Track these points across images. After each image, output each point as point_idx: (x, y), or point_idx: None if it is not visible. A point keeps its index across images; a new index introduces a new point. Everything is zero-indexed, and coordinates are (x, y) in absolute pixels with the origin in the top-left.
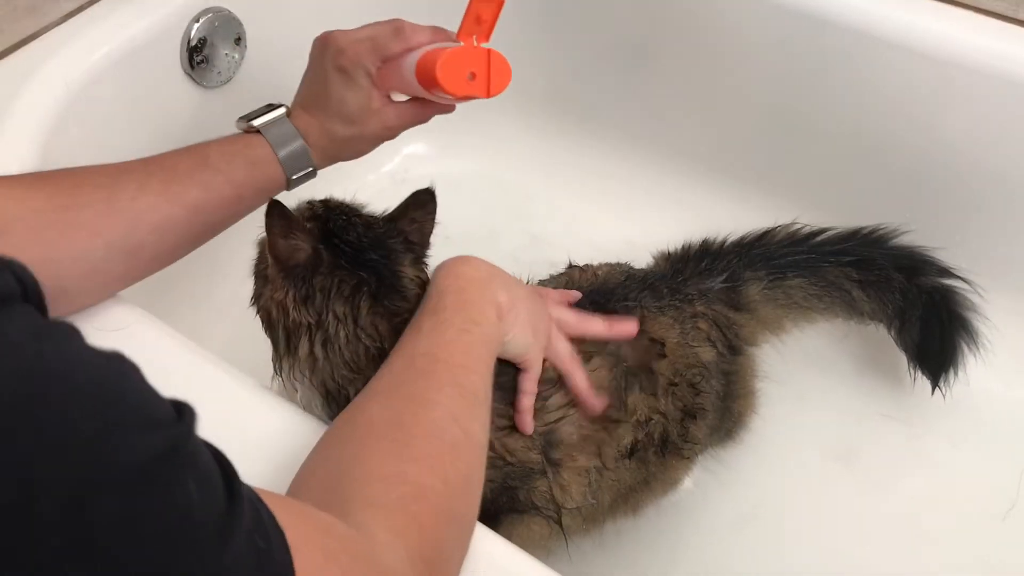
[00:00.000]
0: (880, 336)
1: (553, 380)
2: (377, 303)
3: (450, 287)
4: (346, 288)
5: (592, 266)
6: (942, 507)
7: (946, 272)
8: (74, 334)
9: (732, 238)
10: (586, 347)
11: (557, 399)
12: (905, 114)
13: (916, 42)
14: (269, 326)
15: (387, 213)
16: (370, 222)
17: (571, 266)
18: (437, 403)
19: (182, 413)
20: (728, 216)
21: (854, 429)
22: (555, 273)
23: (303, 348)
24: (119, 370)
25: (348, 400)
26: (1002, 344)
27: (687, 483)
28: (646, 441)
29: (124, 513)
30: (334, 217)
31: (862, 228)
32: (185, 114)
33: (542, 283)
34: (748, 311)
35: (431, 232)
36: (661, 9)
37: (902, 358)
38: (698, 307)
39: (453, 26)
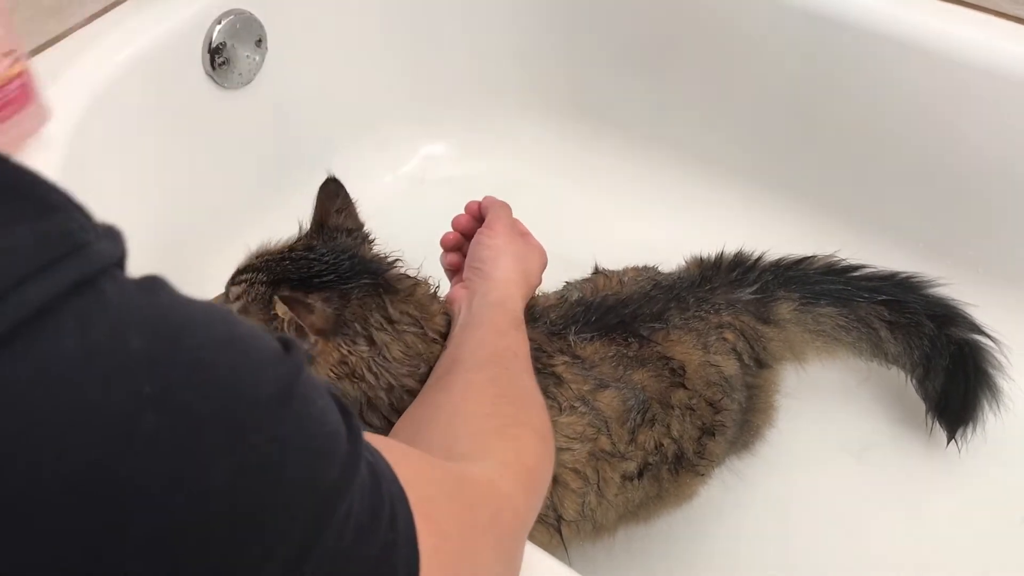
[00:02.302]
0: None
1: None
2: (391, 293)
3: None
4: (368, 300)
5: (618, 272)
6: (958, 510)
7: (976, 328)
8: (168, 283)
9: (769, 257)
10: (602, 375)
11: (570, 420)
12: (921, 116)
13: (931, 44)
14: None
15: (310, 224)
16: (308, 245)
17: (596, 271)
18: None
19: (287, 343)
20: (744, 217)
21: (869, 433)
22: (579, 278)
23: (369, 376)
24: (225, 311)
25: (401, 396)
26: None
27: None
28: (659, 461)
29: (276, 441)
30: (287, 269)
31: (900, 273)
32: (206, 115)
33: (567, 284)
34: (777, 326)
35: (356, 211)
36: (680, 11)
37: None
38: (725, 317)
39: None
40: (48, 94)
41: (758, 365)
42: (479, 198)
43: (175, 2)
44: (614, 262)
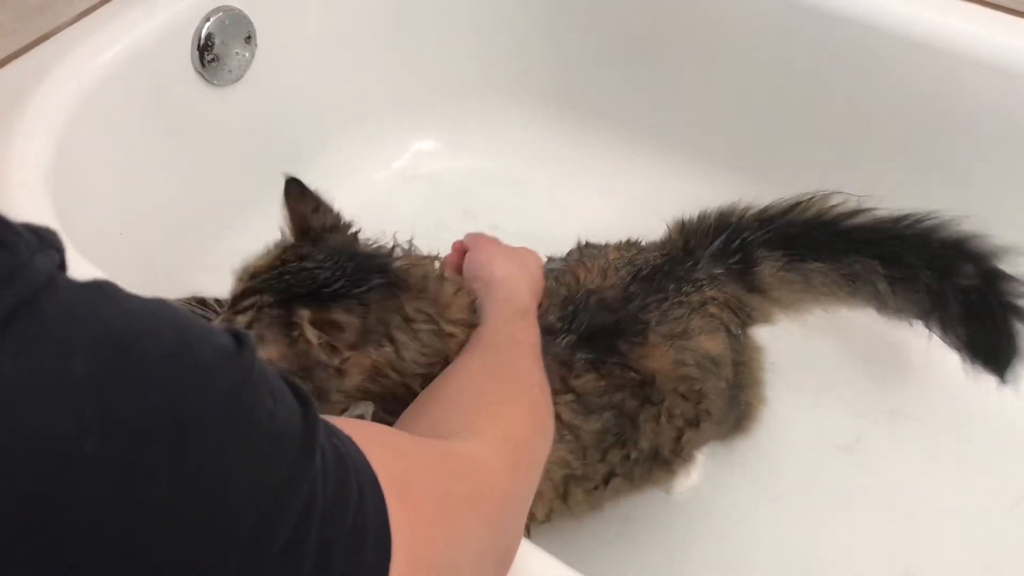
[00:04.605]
0: (891, 332)
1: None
2: (405, 290)
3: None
4: (387, 302)
5: (599, 258)
6: (948, 499)
7: (988, 270)
8: (115, 288)
9: (754, 210)
10: (590, 404)
11: (556, 447)
12: (909, 106)
13: (918, 34)
14: (374, 395)
15: (291, 232)
16: (299, 254)
17: (579, 246)
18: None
19: (239, 337)
20: None
21: (862, 423)
22: (560, 255)
23: (393, 375)
24: (172, 312)
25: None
26: None
27: (694, 479)
28: (628, 468)
29: (219, 447)
30: (290, 284)
31: (903, 217)
32: (196, 112)
33: (549, 259)
34: (761, 294)
35: (329, 204)
36: (665, 3)
37: (911, 354)
38: (708, 292)
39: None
40: (37, 92)
41: (746, 334)
42: (469, 192)
43: None
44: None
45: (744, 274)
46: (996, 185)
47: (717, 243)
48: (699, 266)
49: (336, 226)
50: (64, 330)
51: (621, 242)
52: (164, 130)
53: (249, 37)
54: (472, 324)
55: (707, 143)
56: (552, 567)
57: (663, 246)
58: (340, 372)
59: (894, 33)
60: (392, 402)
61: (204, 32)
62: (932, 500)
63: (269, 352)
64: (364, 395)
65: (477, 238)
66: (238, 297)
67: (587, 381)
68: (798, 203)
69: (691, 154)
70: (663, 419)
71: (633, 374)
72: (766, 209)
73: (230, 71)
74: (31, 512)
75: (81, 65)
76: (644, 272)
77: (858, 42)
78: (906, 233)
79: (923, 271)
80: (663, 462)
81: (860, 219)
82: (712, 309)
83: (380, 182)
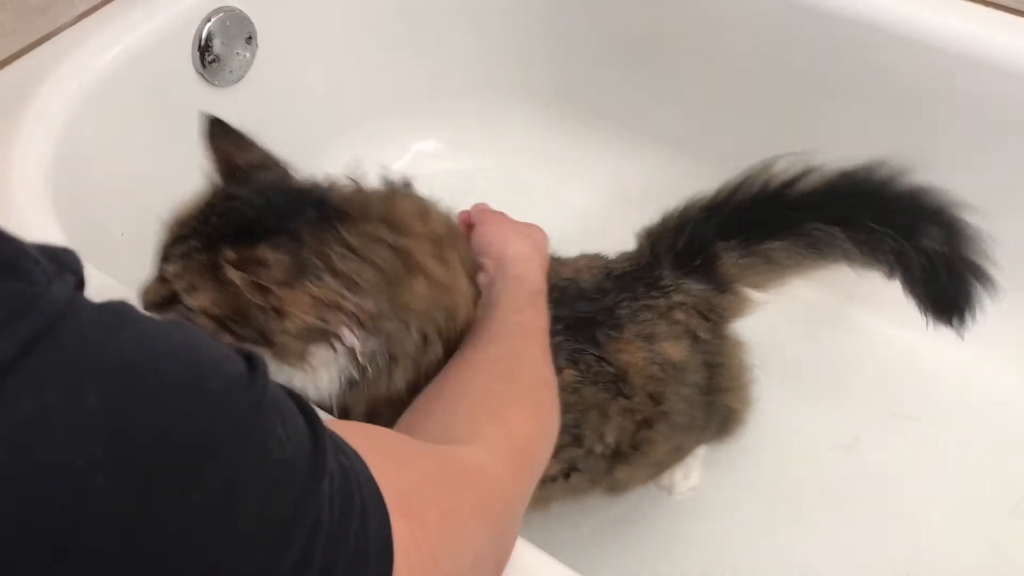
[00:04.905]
0: (891, 332)
1: None
2: (343, 219)
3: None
4: (322, 234)
5: (571, 260)
6: (949, 499)
7: (951, 229)
8: (131, 311)
9: (705, 198)
10: (564, 401)
11: None
12: (910, 106)
13: (919, 34)
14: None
15: (212, 176)
16: (228, 193)
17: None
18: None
19: (251, 360)
20: None
21: (862, 423)
22: None
23: (346, 304)
24: (187, 335)
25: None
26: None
27: (694, 479)
28: (588, 465)
29: (229, 479)
30: (218, 226)
31: (852, 171)
32: (197, 112)
33: None
34: (730, 290)
35: (251, 138)
36: (667, 2)
37: (912, 354)
38: (675, 297)
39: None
40: (38, 93)
41: (718, 336)
42: (471, 193)
43: (164, 0)
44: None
45: (709, 273)
46: (997, 184)
47: (679, 244)
48: (664, 272)
49: (265, 163)
50: (79, 362)
51: (588, 254)
52: (164, 130)
53: (250, 38)
54: (437, 235)
55: (708, 143)
56: (551, 566)
57: (633, 256)
58: (279, 313)
59: (896, 33)
60: (358, 328)
61: (205, 33)
62: (933, 500)
63: (201, 299)
64: (323, 336)
65: (484, 211)
66: (167, 246)
67: (568, 375)
68: (743, 180)
69: (692, 154)
70: (627, 417)
71: (607, 364)
72: (716, 195)
73: (231, 72)
74: (41, 546)
75: (82, 66)
76: (615, 273)
77: (860, 42)
78: (860, 190)
79: (886, 234)
80: (623, 459)
81: (808, 182)
82: (678, 315)
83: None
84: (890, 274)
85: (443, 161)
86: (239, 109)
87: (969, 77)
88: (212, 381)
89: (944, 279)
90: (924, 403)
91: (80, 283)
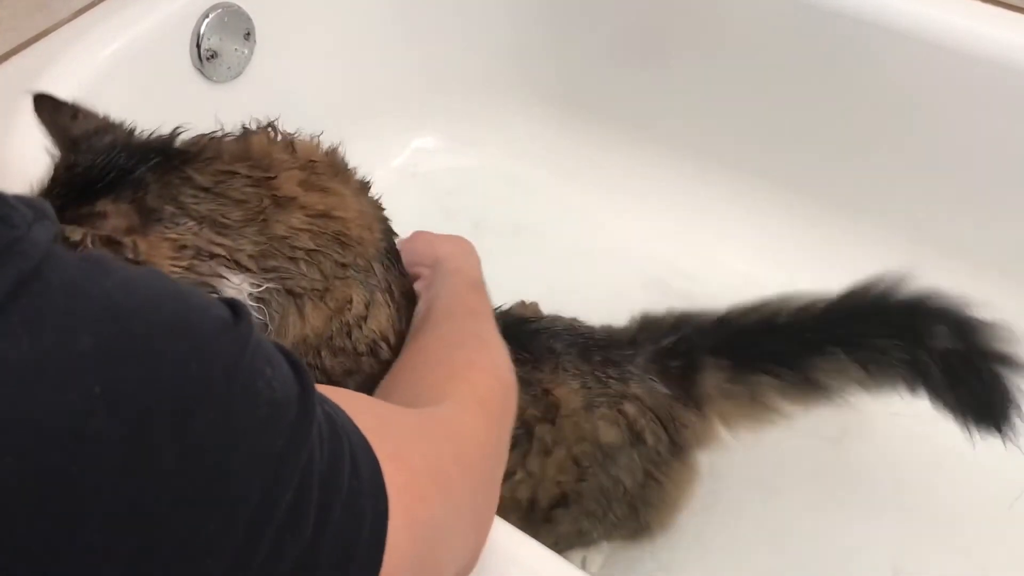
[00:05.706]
0: None
1: None
2: (191, 161)
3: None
4: (168, 178)
5: (555, 316)
6: (942, 494)
7: (963, 324)
8: (110, 259)
9: (711, 313)
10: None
11: None
12: (911, 106)
13: (928, 33)
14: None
15: (53, 153)
16: (68, 164)
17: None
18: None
19: (235, 306)
20: (737, 208)
21: (858, 420)
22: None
23: (219, 250)
24: (169, 283)
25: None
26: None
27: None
28: (512, 500)
29: (222, 418)
30: (62, 196)
31: (849, 292)
32: (195, 109)
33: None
34: (698, 409)
35: (85, 107)
36: (670, 2)
37: None
38: (633, 389)
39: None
40: (35, 89)
41: (672, 452)
42: (470, 191)
43: None
44: (605, 254)
45: (685, 383)
46: (998, 182)
47: (666, 341)
48: (636, 359)
49: (104, 128)
50: (68, 304)
51: (562, 317)
52: (162, 128)
53: (248, 34)
54: (307, 163)
55: (710, 142)
56: (547, 559)
57: (615, 332)
58: (140, 264)
59: (898, 31)
60: (237, 269)
61: (203, 29)
62: (929, 498)
63: None
64: (202, 284)
65: (410, 235)
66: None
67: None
68: (755, 306)
69: (694, 152)
70: (549, 460)
71: (541, 376)
72: (726, 313)
73: (228, 68)
74: (41, 487)
75: (79, 62)
76: (582, 329)
77: (865, 42)
78: (861, 308)
79: (892, 345)
80: (543, 518)
81: (810, 311)
82: (628, 407)
83: (379, 180)
84: (911, 387)
85: (442, 158)
86: (237, 105)
87: (972, 75)
88: (200, 324)
89: (969, 378)
90: (920, 401)
91: (58, 235)
